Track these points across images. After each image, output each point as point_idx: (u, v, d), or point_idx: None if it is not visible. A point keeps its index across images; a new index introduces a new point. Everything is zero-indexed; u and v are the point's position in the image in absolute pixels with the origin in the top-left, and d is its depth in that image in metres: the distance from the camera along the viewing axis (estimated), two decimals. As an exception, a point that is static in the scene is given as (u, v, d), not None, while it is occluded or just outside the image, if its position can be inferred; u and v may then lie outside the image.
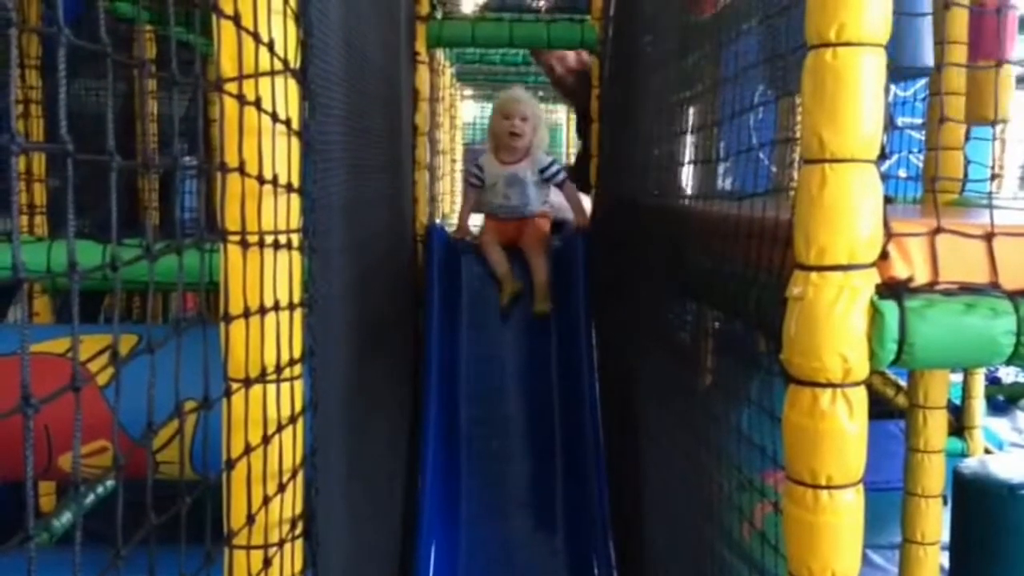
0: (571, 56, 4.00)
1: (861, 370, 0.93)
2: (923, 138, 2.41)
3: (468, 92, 10.12)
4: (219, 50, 1.12)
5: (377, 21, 2.38)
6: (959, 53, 2.07)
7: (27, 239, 2.97)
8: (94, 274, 0.69)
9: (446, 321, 3.41)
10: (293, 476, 1.19)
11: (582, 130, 4.51)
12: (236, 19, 1.08)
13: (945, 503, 2.30)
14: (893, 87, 3.48)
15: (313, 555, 1.28)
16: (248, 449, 1.07)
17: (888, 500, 2.23)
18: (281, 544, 1.16)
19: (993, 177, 2.03)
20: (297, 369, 1.21)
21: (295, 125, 1.25)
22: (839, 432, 0.93)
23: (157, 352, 0.79)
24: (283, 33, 1.21)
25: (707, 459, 1.66)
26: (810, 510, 0.94)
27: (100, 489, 3.05)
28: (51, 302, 3.29)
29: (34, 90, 3.22)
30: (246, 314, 1.09)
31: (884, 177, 0.97)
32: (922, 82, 2.63)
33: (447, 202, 5.62)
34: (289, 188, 1.23)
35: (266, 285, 1.14)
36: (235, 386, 1.07)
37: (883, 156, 0.98)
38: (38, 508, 3.09)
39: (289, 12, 1.23)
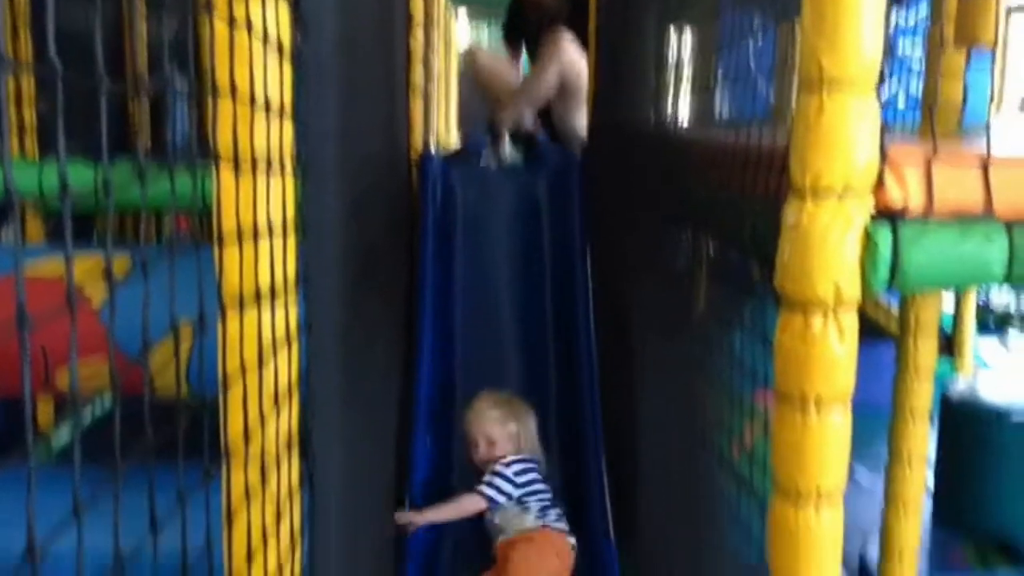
0: None
1: (853, 294, 0.94)
2: (923, 66, 2.38)
3: (463, 14, 9.97)
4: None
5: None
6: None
7: (18, 161, 2.95)
8: (87, 196, 0.69)
9: (440, 249, 3.41)
10: (289, 395, 1.21)
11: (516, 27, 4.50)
12: (226, -63, 1.06)
13: (932, 422, 2.33)
14: (894, 14, 3.44)
15: (310, 472, 1.31)
16: (244, 371, 1.08)
17: (877, 421, 2.25)
18: (278, 460, 1.18)
19: (992, 104, 2.01)
20: (291, 291, 1.21)
21: (287, 47, 1.24)
22: (829, 355, 0.94)
23: (151, 273, 0.79)
24: (273, -48, 1.18)
25: (699, 381, 1.68)
26: (798, 428, 0.95)
27: (98, 410, 3.08)
28: (43, 225, 3.28)
29: (22, 14, 3.16)
30: (239, 237, 1.09)
31: (882, 105, 0.97)
32: (925, 12, 2.59)
33: (442, 126, 5.58)
34: (282, 112, 1.21)
35: (259, 208, 1.13)
36: (230, 308, 1.07)
37: (882, 81, 0.98)
38: (36, 426, 3.13)
39: (279, -70, 1.20)
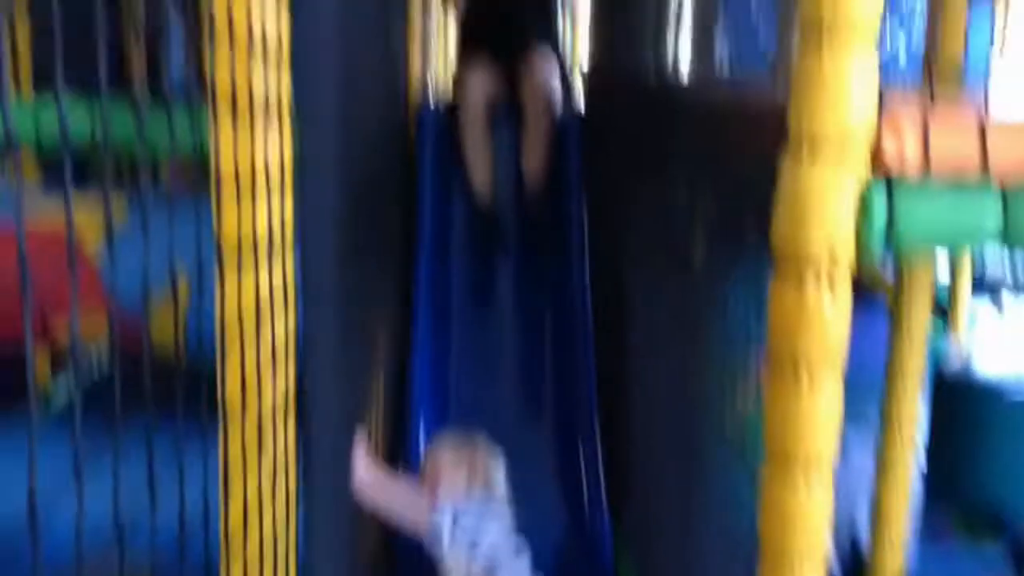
0: None
1: (847, 254, 0.95)
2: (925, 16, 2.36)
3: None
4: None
5: None
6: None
7: (14, 105, 2.90)
8: (83, 138, 0.68)
9: (438, 204, 3.37)
10: (285, 348, 1.21)
11: None
12: None
13: (923, 388, 2.35)
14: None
15: (306, 433, 1.30)
16: (241, 325, 1.08)
17: (869, 381, 2.27)
18: (274, 417, 1.18)
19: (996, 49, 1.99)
20: (289, 245, 1.21)
21: (286, -10, 1.22)
22: (822, 315, 0.94)
23: (149, 223, 0.79)
24: None
25: (695, 343, 1.69)
26: (790, 392, 0.96)
27: (95, 363, 3.07)
28: (39, 167, 3.24)
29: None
30: (236, 180, 1.09)
31: (883, 64, 0.96)
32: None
33: (440, 65, 5.49)
34: (280, 55, 1.20)
35: (257, 151, 1.12)
36: (228, 259, 1.07)
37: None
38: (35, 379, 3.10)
39: None
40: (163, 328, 1.38)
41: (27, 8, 3.17)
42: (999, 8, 2.45)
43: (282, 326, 1.21)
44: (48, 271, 0.63)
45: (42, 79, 3.21)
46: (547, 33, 3.66)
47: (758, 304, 1.17)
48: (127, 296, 0.88)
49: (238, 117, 1.10)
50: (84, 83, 0.82)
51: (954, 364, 2.94)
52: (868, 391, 2.19)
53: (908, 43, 3.25)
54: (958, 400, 2.82)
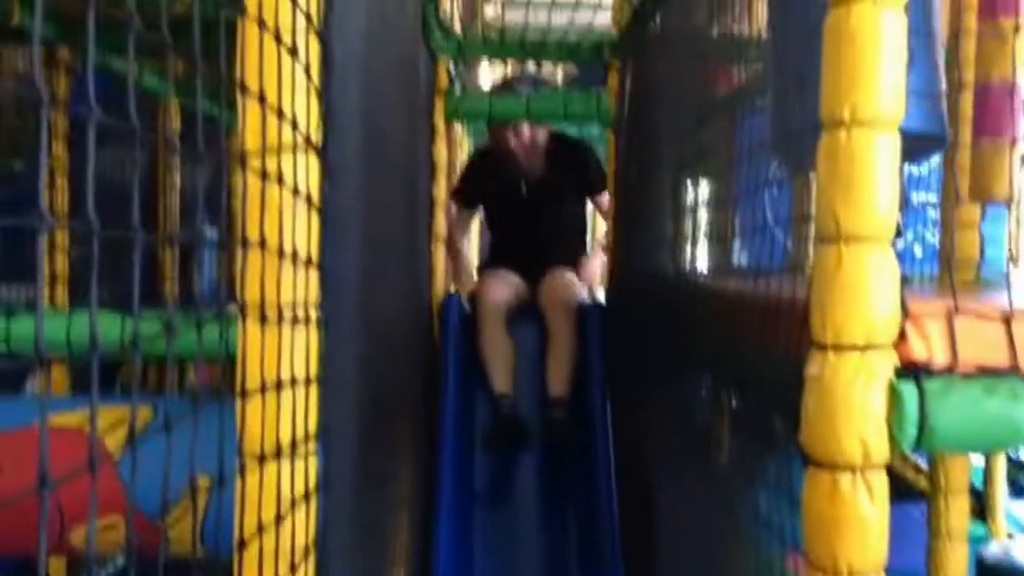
0: (526, 131, 3.87)
1: (881, 453, 0.92)
2: (938, 216, 2.41)
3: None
4: (243, 126, 1.15)
5: (397, 95, 2.42)
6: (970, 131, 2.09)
7: (49, 311, 2.99)
8: (114, 347, 0.69)
9: (462, 395, 3.38)
10: (305, 555, 1.18)
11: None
12: (261, 96, 1.11)
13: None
14: (907, 164, 3.50)
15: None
16: (260, 527, 1.06)
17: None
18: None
19: (1010, 257, 2.02)
20: (312, 445, 1.20)
21: (315, 200, 1.27)
22: (860, 517, 0.91)
23: (173, 427, 0.79)
24: (306, 109, 1.23)
25: (726, 541, 1.64)
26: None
27: (110, 567, 3.01)
28: (68, 372, 3.29)
29: (60, 162, 3.27)
30: (263, 389, 1.09)
31: (899, 256, 0.98)
32: (936, 160, 2.65)
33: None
34: (308, 262, 1.24)
35: (283, 360, 1.14)
36: (249, 463, 1.06)
37: (899, 234, 0.99)
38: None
39: (312, 89, 1.25)
40: (182, 530, 1.36)
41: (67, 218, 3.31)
42: (1012, 216, 2.52)
43: (303, 529, 1.18)
44: (70, 483, 0.62)
45: (78, 291, 3.31)
46: (571, 259, 3.80)
47: (790, 502, 1.14)
48: (147, 500, 0.87)
49: (266, 323, 1.12)
50: (118, 295, 0.84)
51: (996, 551, 2.83)
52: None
53: (923, 236, 3.32)
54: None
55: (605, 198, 3.83)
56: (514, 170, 3.73)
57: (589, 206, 4.07)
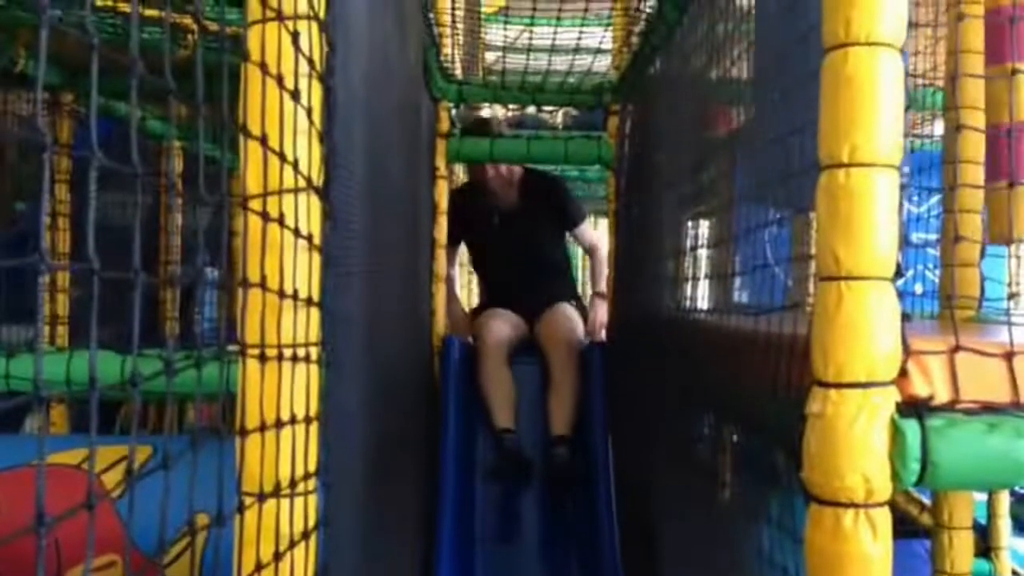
0: (502, 166, 3.94)
1: (884, 490, 0.92)
2: (938, 254, 2.42)
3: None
4: (245, 168, 1.15)
5: (399, 137, 2.44)
6: (973, 173, 2.10)
7: (48, 350, 2.99)
8: (113, 387, 0.70)
9: (462, 433, 3.37)
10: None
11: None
12: (263, 139, 1.12)
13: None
14: (906, 204, 3.51)
15: None
16: (260, 566, 1.06)
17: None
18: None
19: (1010, 296, 2.02)
20: (312, 484, 1.20)
21: (316, 240, 1.28)
22: (863, 555, 0.91)
23: (172, 466, 0.79)
24: (308, 152, 1.24)
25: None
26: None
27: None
28: (67, 411, 3.29)
29: (63, 204, 3.29)
30: (262, 428, 1.09)
31: (900, 294, 0.98)
32: (936, 199, 2.66)
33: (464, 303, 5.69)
34: (309, 302, 1.24)
35: (283, 399, 1.14)
36: (249, 501, 1.06)
37: (899, 274, 0.99)
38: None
39: (314, 132, 1.26)
40: (180, 567, 1.34)
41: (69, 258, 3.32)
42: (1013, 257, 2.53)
43: (302, 567, 1.18)
44: (68, 521, 0.62)
45: (78, 331, 3.31)
46: (560, 289, 3.82)
47: (792, 540, 1.13)
48: (145, 538, 0.86)
49: (266, 365, 1.12)
50: (118, 335, 0.85)
51: None
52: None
53: (923, 274, 3.33)
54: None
55: (583, 231, 3.88)
56: (488, 202, 3.79)
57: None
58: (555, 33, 3.30)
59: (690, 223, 2.36)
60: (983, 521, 3.58)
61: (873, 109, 0.95)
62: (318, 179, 1.28)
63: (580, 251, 4.77)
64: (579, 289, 4.46)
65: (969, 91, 2.10)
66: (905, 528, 3.17)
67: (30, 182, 3.88)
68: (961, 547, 2.10)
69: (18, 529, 0.60)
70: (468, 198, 3.92)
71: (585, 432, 3.41)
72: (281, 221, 1.17)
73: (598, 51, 3.54)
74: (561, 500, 3.33)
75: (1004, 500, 3.63)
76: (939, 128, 3.12)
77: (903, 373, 0.96)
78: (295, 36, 1.16)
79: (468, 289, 6.06)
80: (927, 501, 3.11)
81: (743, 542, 1.54)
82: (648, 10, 2.82)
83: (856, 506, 0.91)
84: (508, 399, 3.40)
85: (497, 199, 3.78)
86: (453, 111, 3.76)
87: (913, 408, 0.96)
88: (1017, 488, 4.76)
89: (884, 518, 0.92)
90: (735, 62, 1.89)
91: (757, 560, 1.40)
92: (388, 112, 2.18)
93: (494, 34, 4.63)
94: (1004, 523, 3.60)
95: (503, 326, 3.60)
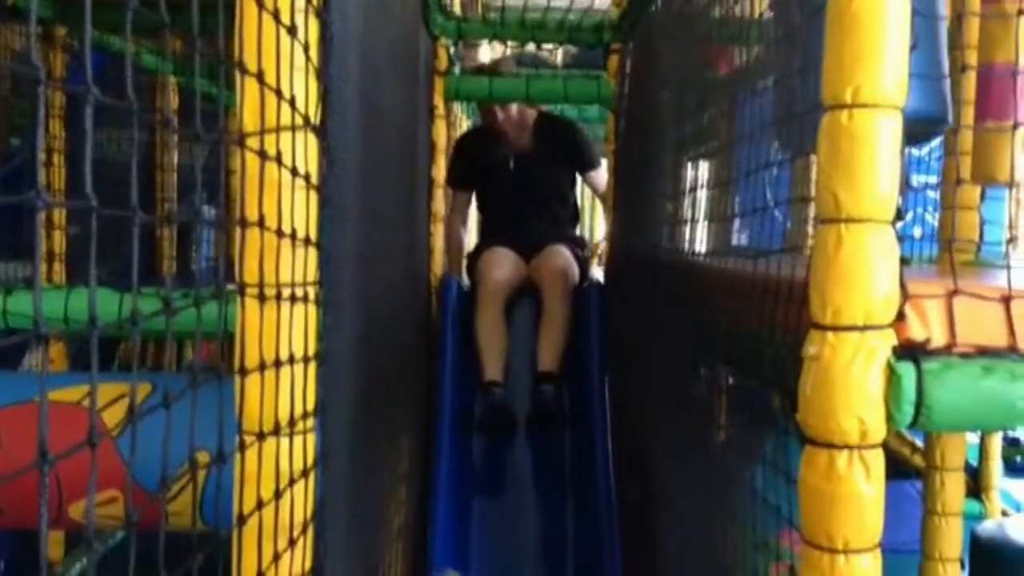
0: (514, 107, 3.87)
1: (878, 432, 0.93)
2: (938, 197, 2.41)
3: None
4: (242, 106, 1.14)
5: (395, 75, 2.41)
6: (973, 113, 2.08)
7: (46, 287, 2.99)
8: (112, 325, 0.69)
9: (459, 375, 3.39)
10: (304, 530, 1.19)
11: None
12: (260, 76, 1.10)
13: (963, 567, 2.26)
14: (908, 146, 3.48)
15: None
16: (260, 503, 1.07)
17: (906, 562, 2.19)
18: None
19: (1009, 240, 2.02)
20: (310, 422, 1.21)
21: (314, 179, 1.27)
22: (856, 495, 0.92)
23: (172, 404, 0.79)
24: (304, 89, 1.23)
25: (722, 518, 1.64)
26: (826, 574, 0.92)
27: (109, 540, 3.03)
28: (66, 348, 3.30)
29: (57, 140, 3.26)
30: (262, 367, 1.10)
31: (900, 237, 0.97)
32: (937, 141, 2.64)
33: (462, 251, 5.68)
34: (307, 241, 1.24)
35: (282, 338, 1.14)
36: (249, 439, 1.06)
37: (899, 217, 0.98)
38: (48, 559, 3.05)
39: (311, 69, 1.25)
40: (181, 503, 1.36)
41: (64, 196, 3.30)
42: (1012, 198, 2.52)
43: (301, 505, 1.19)
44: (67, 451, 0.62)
45: (76, 268, 3.30)
46: (563, 234, 3.81)
47: (787, 478, 1.14)
48: (147, 474, 0.87)
49: (265, 302, 1.12)
50: (116, 273, 0.84)
51: (990, 529, 2.85)
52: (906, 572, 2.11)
53: (922, 217, 3.31)
54: (995, 565, 2.72)
55: (599, 175, 3.85)
56: (501, 146, 3.75)
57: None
58: (555, -31, 3.25)
59: (690, 164, 2.35)
60: (975, 463, 3.63)
61: (878, 48, 0.94)
62: (315, 117, 1.26)
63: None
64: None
65: (974, 30, 2.07)
66: (897, 469, 3.22)
67: (24, 118, 3.84)
68: (953, 488, 2.13)
69: (19, 465, 0.60)
70: (478, 142, 3.88)
71: (582, 374, 3.43)
72: (279, 159, 1.17)
73: (599, -12, 3.48)
74: (557, 442, 3.36)
75: (996, 442, 3.68)
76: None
77: (900, 317, 0.96)
78: (291, -30, 1.14)
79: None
80: (919, 443, 3.14)
81: (738, 482, 1.56)
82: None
83: (850, 447, 0.92)
84: (499, 350, 3.40)
85: (510, 142, 3.74)
86: (452, 49, 3.71)
87: (909, 351, 0.96)
88: (1009, 431, 4.83)
89: (877, 459, 0.93)
90: (738, 0, 1.86)
91: (751, 500, 1.42)
92: (385, 49, 2.15)
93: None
94: (995, 465, 3.65)
95: (504, 266, 3.59)
